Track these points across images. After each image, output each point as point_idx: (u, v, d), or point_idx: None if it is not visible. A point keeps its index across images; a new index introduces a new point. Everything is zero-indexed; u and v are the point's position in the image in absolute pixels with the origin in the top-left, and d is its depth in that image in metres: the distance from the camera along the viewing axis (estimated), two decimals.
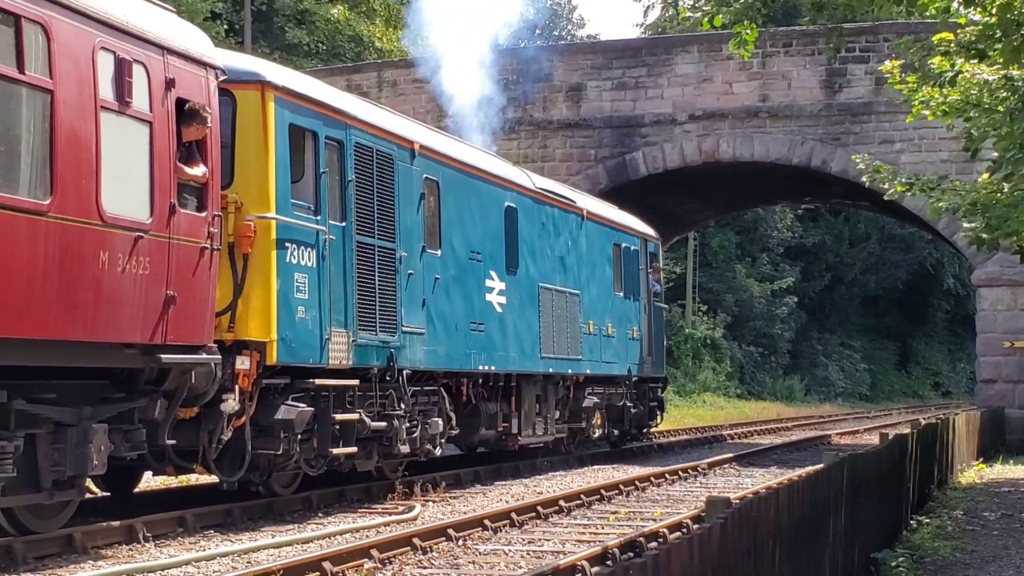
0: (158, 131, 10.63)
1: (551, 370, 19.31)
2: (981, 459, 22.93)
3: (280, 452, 12.47)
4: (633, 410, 23.20)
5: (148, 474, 14.34)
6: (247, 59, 13.50)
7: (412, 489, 15.23)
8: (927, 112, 16.08)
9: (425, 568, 10.39)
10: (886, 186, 17.60)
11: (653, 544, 10.80)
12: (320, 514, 13.41)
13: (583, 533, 12.50)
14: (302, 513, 13.37)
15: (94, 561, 10.14)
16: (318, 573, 9.75)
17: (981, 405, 27.38)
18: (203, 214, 11.25)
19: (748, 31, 11.80)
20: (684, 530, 11.78)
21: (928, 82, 15.12)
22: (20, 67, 9.12)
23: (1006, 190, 15.64)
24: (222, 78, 11.79)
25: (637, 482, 17.05)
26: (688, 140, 29.04)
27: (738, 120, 28.80)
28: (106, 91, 10.04)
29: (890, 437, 13.05)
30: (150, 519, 11.63)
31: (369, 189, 14.09)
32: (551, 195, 19.86)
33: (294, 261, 12.64)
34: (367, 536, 11.50)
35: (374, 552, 10.52)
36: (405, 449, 14.72)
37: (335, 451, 13.30)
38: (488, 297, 17.25)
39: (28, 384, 9.70)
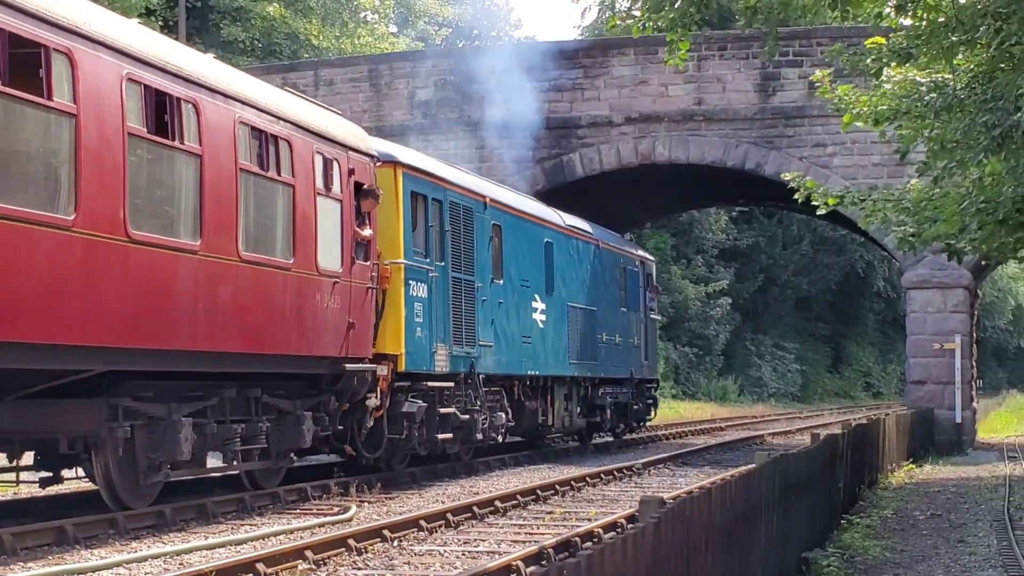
0: (346, 206, 15.15)
1: (576, 373, 23.48)
2: (911, 459, 23.22)
3: (404, 437, 16.51)
4: (635, 407, 27.24)
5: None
6: (384, 144, 17.54)
7: (347, 490, 15.20)
8: (859, 122, 16.29)
9: (360, 569, 10.36)
10: (817, 202, 17.75)
11: (588, 544, 10.84)
12: (254, 515, 13.34)
13: (519, 533, 12.51)
14: (236, 515, 13.28)
15: (24, 563, 10.02)
16: (252, 575, 9.70)
17: (911, 406, 27.71)
18: (368, 263, 15.66)
19: (681, 38, 11.81)
20: (618, 530, 11.83)
21: (852, 72, 15.24)
22: (278, 171, 13.66)
23: (935, 193, 15.85)
24: (377, 163, 16.22)
25: (572, 482, 17.10)
26: (624, 142, 29.15)
27: (674, 123, 28.94)
28: (319, 182, 14.51)
29: (821, 437, 13.17)
30: (80, 520, 11.51)
31: (458, 235, 18.27)
32: (575, 230, 24.10)
33: (414, 294, 16.71)
34: (302, 537, 11.45)
35: (308, 553, 10.48)
36: (479, 436, 18.64)
37: (439, 436, 17.36)
38: (533, 316, 21.38)
39: (268, 384, 13.91)
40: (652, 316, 29.49)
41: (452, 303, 17.83)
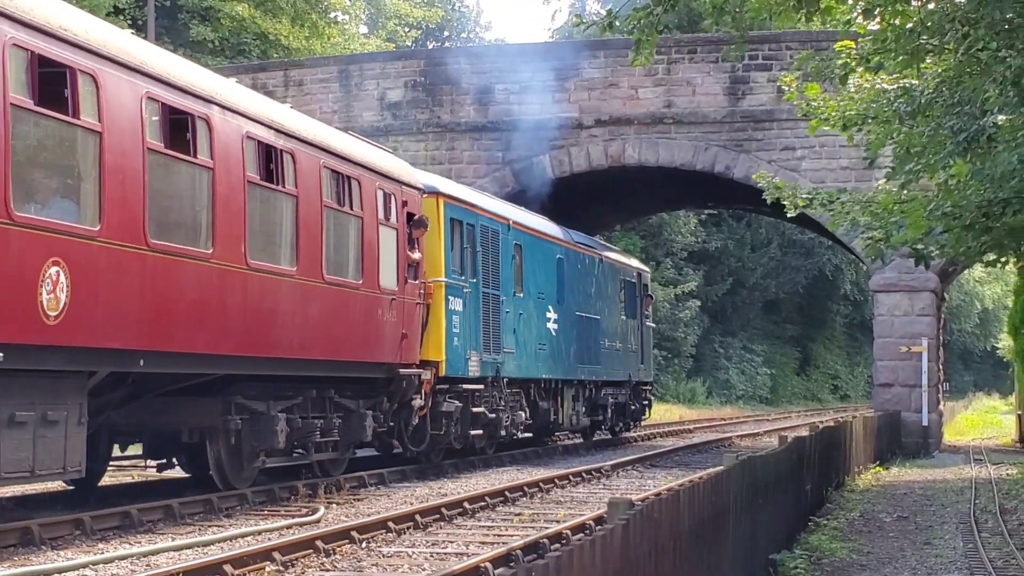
0: (400, 233, 17.56)
1: (582, 377, 25.64)
2: (878, 462, 23.34)
3: (443, 433, 18.79)
4: (632, 407, 29.32)
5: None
6: (428, 176, 19.97)
7: (316, 491, 15.16)
8: (827, 127, 16.37)
9: (328, 570, 10.35)
10: (786, 202, 17.83)
11: (556, 546, 10.85)
12: (222, 516, 13.28)
13: (487, 535, 12.52)
14: (203, 516, 13.22)
15: None
16: None
17: (878, 408, 27.85)
18: (417, 281, 18.05)
19: (647, 38, 11.80)
20: (587, 532, 11.85)
21: (819, 78, 15.29)
22: (351, 206, 16.07)
23: (903, 197, 15.93)
24: (423, 194, 18.58)
25: (541, 484, 17.11)
26: (594, 144, 29.19)
27: (643, 125, 29.00)
28: (381, 214, 16.97)
29: (789, 440, 13.22)
30: (46, 521, 11.44)
31: (487, 255, 20.61)
32: (582, 245, 26.48)
33: (453, 307, 18.98)
34: (269, 538, 11.42)
35: (276, 555, 10.45)
36: (503, 433, 20.98)
37: (471, 432, 19.61)
38: (547, 325, 23.62)
39: (339, 386, 16.08)
40: (647, 323, 31.64)
41: (482, 315, 20.16)
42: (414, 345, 17.84)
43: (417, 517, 13.06)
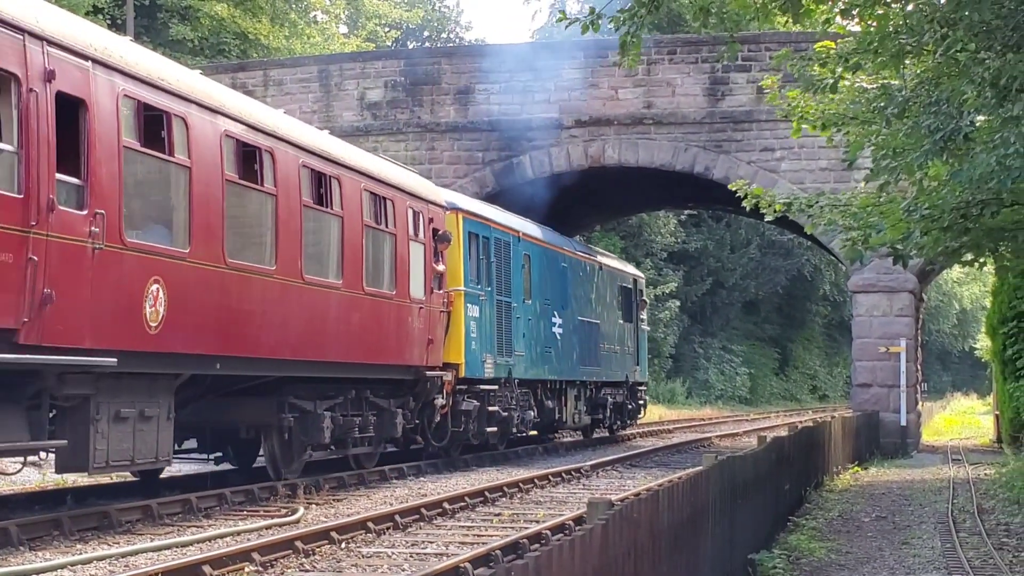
0: (427, 248, 19.28)
1: (584, 378, 27.28)
2: (856, 462, 23.41)
3: (462, 430, 20.52)
4: (629, 406, 31.11)
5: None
6: (449, 194, 21.62)
7: (295, 492, 15.13)
8: (807, 126, 16.39)
9: (307, 571, 10.33)
10: (764, 210, 17.85)
11: (536, 546, 10.85)
12: (201, 517, 13.25)
13: (467, 535, 12.51)
14: (182, 516, 13.19)
15: None
16: None
17: (857, 409, 27.93)
18: (441, 291, 19.74)
19: (633, 39, 11.81)
20: (566, 532, 11.85)
21: (809, 89, 15.33)
22: (386, 224, 17.76)
23: (882, 199, 15.97)
24: (445, 210, 20.27)
25: (521, 484, 17.11)
26: (574, 145, 29.20)
27: (623, 126, 29.01)
28: (411, 230, 18.65)
29: (768, 440, 13.23)
30: (24, 521, 11.40)
31: (500, 265, 22.29)
32: (582, 253, 28.28)
33: (471, 314, 20.69)
34: (249, 539, 11.39)
35: (255, 555, 10.43)
36: (514, 430, 22.92)
37: (488, 429, 21.28)
38: (553, 329, 25.26)
39: (373, 386, 17.75)
40: (642, 327, 33.21)
41: (496, 320, 21.82)
42: (438, 349, 19.53)
43: (397, 517, 13.05)
